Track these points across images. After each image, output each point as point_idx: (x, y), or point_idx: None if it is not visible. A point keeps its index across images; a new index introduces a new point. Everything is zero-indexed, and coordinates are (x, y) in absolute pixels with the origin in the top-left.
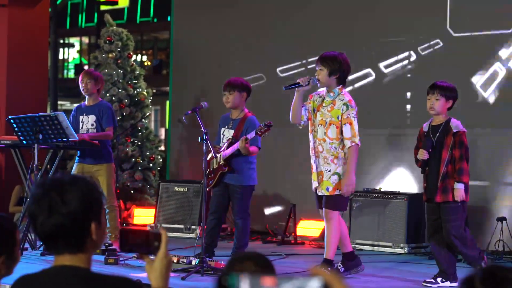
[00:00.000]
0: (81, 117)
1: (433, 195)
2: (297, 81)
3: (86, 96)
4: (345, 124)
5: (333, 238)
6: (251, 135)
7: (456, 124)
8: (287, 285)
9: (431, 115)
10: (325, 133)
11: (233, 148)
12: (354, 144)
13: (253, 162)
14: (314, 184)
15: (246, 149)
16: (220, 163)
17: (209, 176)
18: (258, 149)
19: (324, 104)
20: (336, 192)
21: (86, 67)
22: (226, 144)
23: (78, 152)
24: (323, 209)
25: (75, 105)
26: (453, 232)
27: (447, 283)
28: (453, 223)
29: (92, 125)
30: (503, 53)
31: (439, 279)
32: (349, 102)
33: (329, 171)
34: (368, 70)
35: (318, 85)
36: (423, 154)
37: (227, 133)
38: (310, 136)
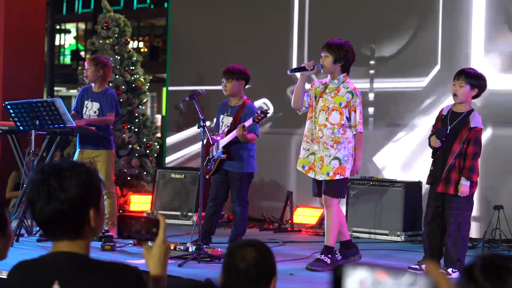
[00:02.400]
0: (86, 102)
1: (436, 183)
2: (302, 65)
3: (92, 83)
4: (351, 111)
5: (333, 224)
6: (248, 123)
7: (476, 120)
8: (398, 279)
9: (454, 102)
10: (326, 118)
11: (232, 135)
12: (360, 131)
13: (252, 149)
14: (311, 172)
15: (244, 137)
16: (220, 150)
17: (209, 163)
18: (256, 136)
19: (327, 91)
20: (337, 177)
21: (82, 53)
22: (225, 131)
23: (78, 139)
24: (323, 195)
25: (74, 90)
26: (451, 220)
27: None
28: (455, 211)
29: (95, 112)
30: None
31: (423, 266)
32: (354, 90)
33: (329, 156)
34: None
35: (322, 71)
36: (435, 142)
37: (226, 120)
38: (308, 122)
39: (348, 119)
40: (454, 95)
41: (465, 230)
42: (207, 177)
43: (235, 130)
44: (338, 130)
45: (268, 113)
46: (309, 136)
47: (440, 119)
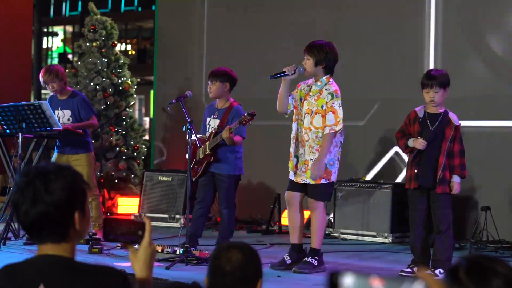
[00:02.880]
0: (56, 112)
1: (429, 185)
2: (283, 70)
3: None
4: (328, 112)
5: (319, 227)
6: (234, 125)
7: (455, 118)
8: (393, 286)
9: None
10: (311, 122)
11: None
12: (332, 132)
13: (239, 151)
14: (291, 173)
15: (230, 139)
16: (206, 153)
17: (195, 166)
18: (243, 139)
19: (311, 94)
20: (322, 181)
21: (70, 56)
22: (212, 133)
23: (57, 142)
24: (308, 199)
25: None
26: (443, 219)
27: None
28: (445, 210)
29: (69, 119)
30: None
31: (415, 269)
32: (335, 92)
33: (314, 159)
34: None
35: (305, 74)
36: (422, 144)
37: (213, 122)
38: (294, 125)
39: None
40: (432, 102)
41: (452, 229)
42: (193, 179)
43: (221, 132)
44: (322, 134)
45: (255, 115)
46: (295, 137)
47: (417, 121)
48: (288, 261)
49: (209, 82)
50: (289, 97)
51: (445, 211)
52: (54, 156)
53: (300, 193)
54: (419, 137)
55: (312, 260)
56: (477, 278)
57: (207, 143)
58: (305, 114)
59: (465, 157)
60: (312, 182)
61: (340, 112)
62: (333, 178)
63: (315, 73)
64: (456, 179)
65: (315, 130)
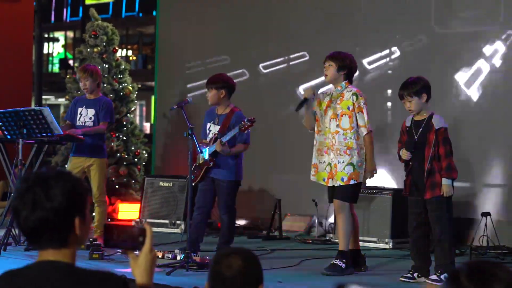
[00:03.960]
0: (80, 109)
1: (420, 192)
2: (303, 97)
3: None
4: (358, 112)
5: (345, 229)
6: (226, 138)
7: (439, 121)
8: None
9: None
10: (337, 125)
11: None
12: (370, 131)
13: (240, 157)
14: (312, 176)
15: (225, 151)
16: (206, 158)
17: (195, 171)
18: (247, 145)
19: (332, 99)
20: (351, 182)
21: (71, 62)
22: (213, 139)
23: (73, 146)
24: (334, 200)
25: (63, 99)
26: (437, 225)
27: (423, 278)
28: (437, 213)
29: (90, 118)
30: (487, 50)
31: (415, 274)
32: (357, 91)
33: (343, 162)
34: None
35: (325, 79)
36: (406, 155)
37: (213, 128)
38: (316, 136)
39: (357, 121)
40: (410, 111)
41: (449, 232)
42: (193, 184)
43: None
44: (350, 135)
45: (255, 121)
46: (321, 149)
47: (406, 131)
48: (343, 266)
49: (207, 89)
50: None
51: (439, 216)
52: (70, 159)
53: None
54: (403, 149)
55: (340, 263)
56: (478, 283)
57: (207, 148)
58: (330, 120)
59: (452, 157)
60: (342, 183)
61: (366, 111)
62: (361, 179)
63: (335, 79)
64: (444, 181)
65: (343, 132)
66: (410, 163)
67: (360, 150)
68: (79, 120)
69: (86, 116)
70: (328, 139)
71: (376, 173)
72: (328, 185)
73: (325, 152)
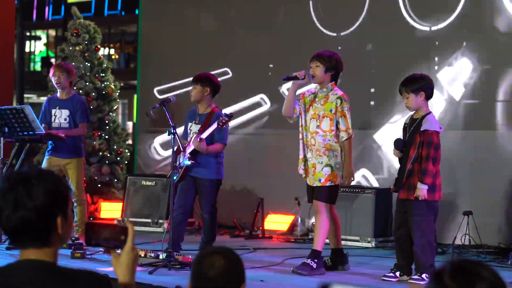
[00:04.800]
0: (53, 110)
1: (398, 190)
2: (294, 74)
3: (59, 90)
4: (341, 117)
5: (322, 230)
6: (205, 135)
7: (428, 123)
8: None
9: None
10: (318, 126)
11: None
12: (350, 136)
13: (220, 156)
14: (301, 170)
15: (203, 148)
16: (186, 157)
17: (175, 171)
18: (224, 145)
19: (317, 99)
20: (328, 183)
21: (53, 60)
22: (177, 135)
23: (49, 145)
24: (313, 201)
25: (44, 97)
26: (414, 226)
27: (405, 277)
28: (416, 217)
29: (65, 119)
30: (469, 47)
31: (397, 273)
32: (343, 96)
33: (322, 163)
34: None
35: (312, 81)
36: (397, 153)
37: (195, 128)
38: (300, 129)
39: (338, 125)
40: (407, 107)
41: (430, 235)
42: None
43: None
44: (330, 137)
45: (232, 116)
46: (303, 142)
47: (403, 128)
48: (329, 264)
49: (191, 86)
50: (296, 101)
51: (417, 218)
52: (45, 159)
53: None
54: None
55: (311, 263)
56: (461, 283)
57: (186, 147)
58: (310, 119)
59: (430, 162)
60: (319, 184)
61: (349, 116)
62: (339, 181)
63: (323, 79)
64: (419, 185)
65: (323, 133)
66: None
67: (340, 152)
68: (54, 122)
69: (60, 117)
70: (307, 137)
71: (353, 179)
72: (306, 180)
73: (302, 146)
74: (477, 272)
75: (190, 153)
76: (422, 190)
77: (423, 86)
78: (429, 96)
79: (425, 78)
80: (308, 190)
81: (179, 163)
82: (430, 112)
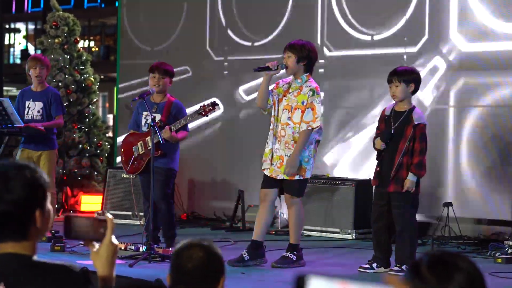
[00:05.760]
0: (27, 103)
1: (385, 184)
2: (266, 64)
3: (36, 82)
4: (308, 108)
5: (296, 222)
6: (176, 124)
7: (418, 116)
8: None
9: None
10: (289, 117)
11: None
12: (309, 129)
13: (177, 145)
14: (265, 164)
15: (174, 138)
16: (149, 148)
17: (135, 162)
18: (187, 133)
19: (290, 90)
20: (296, 177)
21: (32, 53)
22: (156, 128)
23: (23, 138)
24: (285, 194)
25: (19, 90)
26: (398, 219)
27: (382, 269)
28: (402, 209)
29: (39, 112)
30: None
31: (374, 265)
32: (316, 88)
33: (289, 155)
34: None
35: (286, 71)
36: (380, 145)
37: (157, 117)
38: (272, 119)
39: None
40: (394, 96)
41: (412, 228)
42: (134, 176)
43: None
44: (299, 130)
45: (218, 105)
46: (272, 129)
47: (384, 119)
48: (246, 258)
49: (156, 75)
50: (269, 93)
51: (401, 210)
52: (19, 152)
53: (274, 190)
54: (378, 138)
55: (291, 255)
56: (439, 274)
57: (147, 138)
58: (283, 110)
59: (425, 156)
60: (287, 178)
61: (319, 109)
62: (307, 175)
63: (296, 70)
64: (410, 177)
65: (293, 125)
66: (382, 153)
67: (309, 145)
68: (27, 114)
69: (34, 109)
70: (277, 128)
71: (293, 172)
72: (264, 173)
73: (274, 137)
74: (455, 263)
75: (156, 143)
76: (412, 182)
77: (415, 78)
78: (415, 90)
79: (417, 72)
80: (266, 182)
81: (139, 154)
82: (414, 106)
